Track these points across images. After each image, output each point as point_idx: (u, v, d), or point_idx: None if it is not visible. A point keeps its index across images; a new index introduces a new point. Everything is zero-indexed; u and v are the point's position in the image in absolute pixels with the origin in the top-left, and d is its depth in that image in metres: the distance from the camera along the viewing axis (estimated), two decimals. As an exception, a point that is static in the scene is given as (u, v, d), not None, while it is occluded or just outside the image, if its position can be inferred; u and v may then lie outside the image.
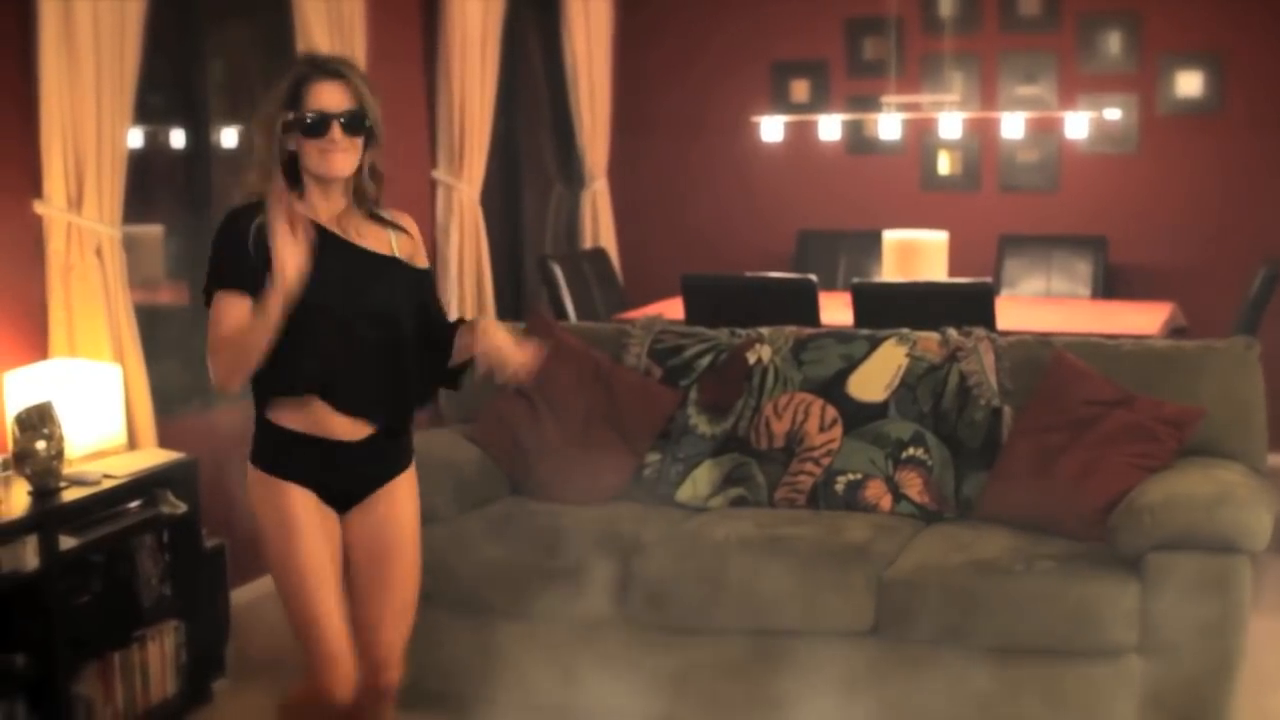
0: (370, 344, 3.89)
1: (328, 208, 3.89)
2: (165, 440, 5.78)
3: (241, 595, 6.24)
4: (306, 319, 3.72)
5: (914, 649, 4.87)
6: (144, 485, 5.28)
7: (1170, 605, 4.63)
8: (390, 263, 3.95)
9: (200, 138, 6.60)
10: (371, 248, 3.92)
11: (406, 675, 5.45)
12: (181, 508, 5.38)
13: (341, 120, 3.80)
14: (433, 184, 8.09)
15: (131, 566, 5.30)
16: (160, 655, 5.33)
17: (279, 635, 6.14)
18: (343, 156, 3.83)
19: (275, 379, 3.83)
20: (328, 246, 3.79)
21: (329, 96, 3.82)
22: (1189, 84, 9.03)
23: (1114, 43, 9.16)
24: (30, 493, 4.93)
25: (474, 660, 5.33)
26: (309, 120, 3.79)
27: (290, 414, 3.88)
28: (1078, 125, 8.46)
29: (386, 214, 4.01)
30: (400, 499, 4.08)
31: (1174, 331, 7.58)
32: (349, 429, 3.91)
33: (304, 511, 3.93)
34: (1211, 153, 9.00)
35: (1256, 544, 4.61)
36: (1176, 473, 4.96)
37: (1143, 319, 7.56)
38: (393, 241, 3.98)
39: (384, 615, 4.11)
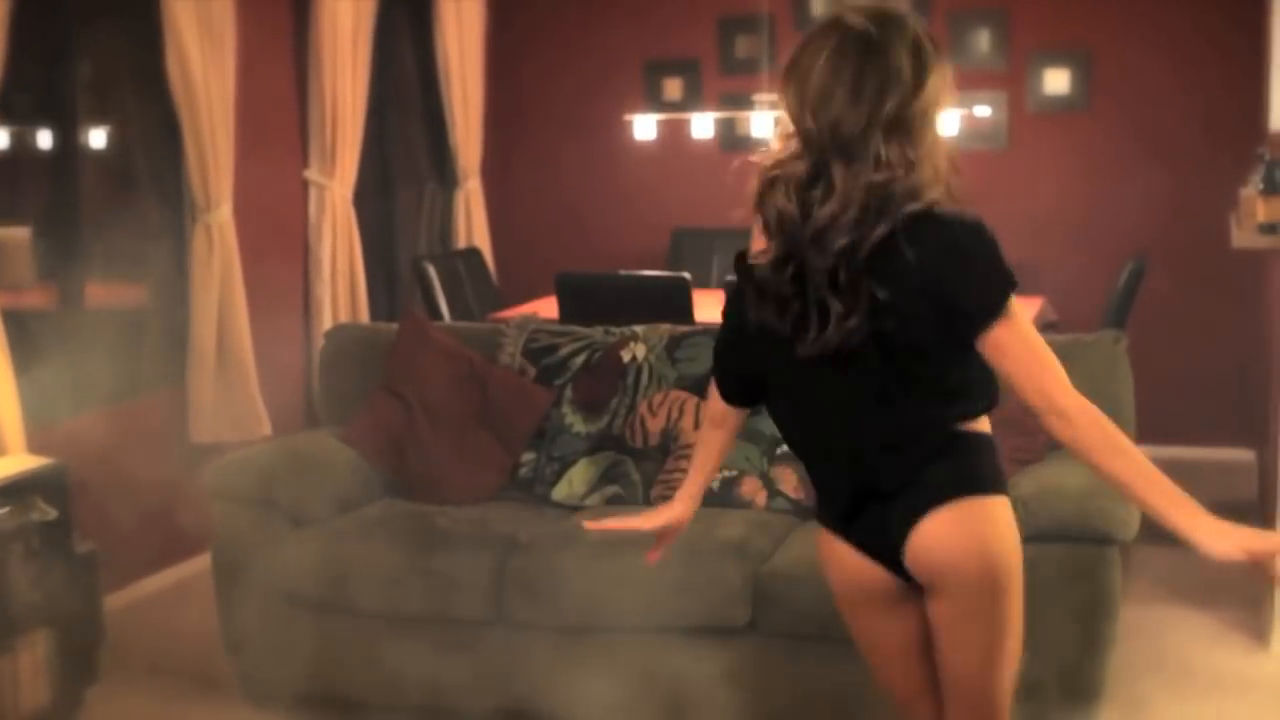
0: None
1: None
2: (35, 446, 5.70)
3: (115, 600, 6.17)
4: None
5: (792, 644, 4.90)
6: (13, 491, 5.21)
7: (1043, 595, 4.68)
8: None
9: (68, 138, 6.52)
10: None
11: (283, 678, 5.44)
12: (52, 513, 5.30)
13: None
14: (304, 184, 8.04)
15: (1, 574, 5.23)
16: (32, 664, 5.25)
17: (154, 640, 6.12)
18: None
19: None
20: None
21: None
22: (1057, 82, 9.14)
23: (983, 40, 9.25)
24: (-105, 500, 4.86)
25: (350, 663, 5.30)
26: None
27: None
28: (948, 122, 8.53)
29: None
30: None
31: (1044, 326, 7.65)
32: None
33: None
34: (1079, 149, 9.12)
35: (1126, 534, 4.67)
36: (1047, 466, 5.01)
37: (1013, 314, 7.62)
38: None
39: None
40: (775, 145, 3.12)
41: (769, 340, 3.17)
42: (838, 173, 2.97)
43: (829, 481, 3.32)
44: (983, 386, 3.17)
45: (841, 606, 3.40)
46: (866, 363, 3.06)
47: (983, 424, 3.22)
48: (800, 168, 3.03)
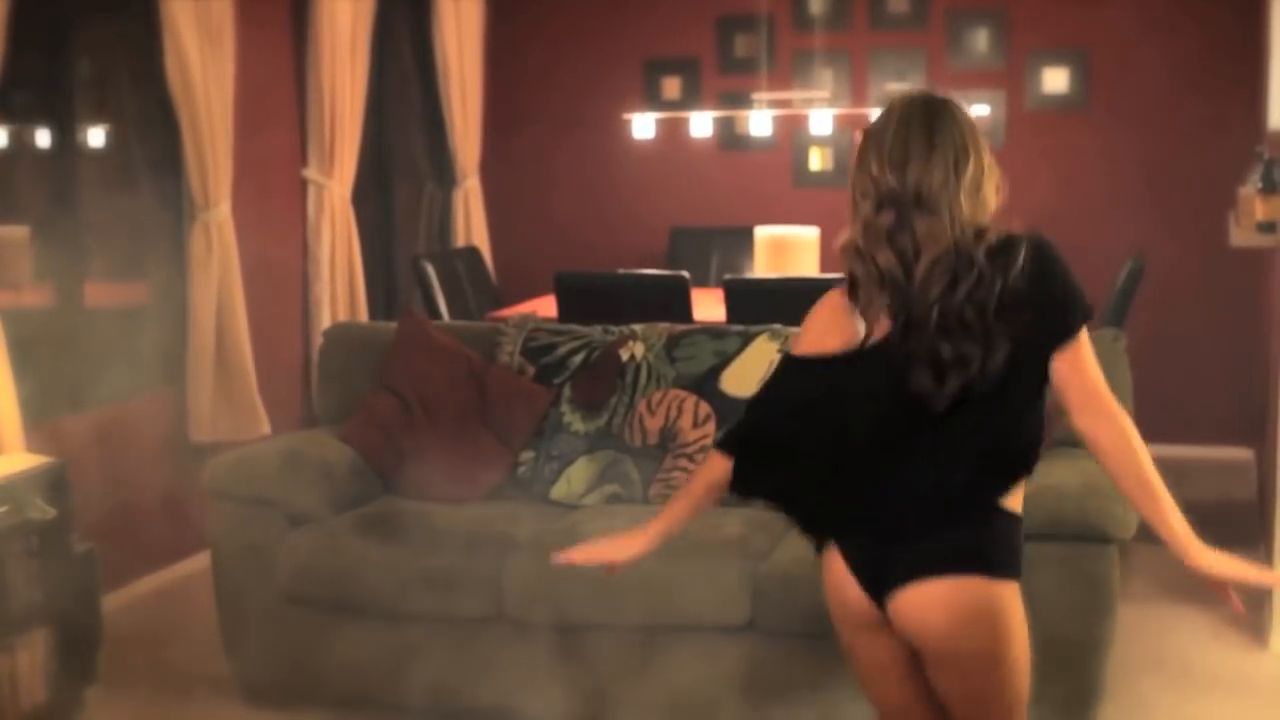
0: None
1: None
2: (33, 445, 5.70)
3: (114, 600, 6.17)
4: None
5: (790, 642, 4.90)
6: (11, 491, 5.20)
7: (1041, 593, 4.67)
8: None
9: (66, 137, 6.52)
10: None
11: (282, 677, 5.43)
12: (50, 513, 5.29)
13: None
14: (303, 183, 8.03)
15: (-1, 573, 5.23)
16: (31, 663, 5.25)
17: (153, 640, 6.11)
18: None
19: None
20: None
21: None
22: (1055, 80, 9.15)
23: (982, 39, 9.26)
24: (-106, 499, 4.85)
25: (349, 662, 5.30)
26: None
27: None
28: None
29: None
30: None
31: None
32: None
33: None
34: (1077, 148, 9.12)
35: (1124, 533, 4.67)
36: (1046, 464, 4.96)
37: (1012, 312, 7.61)
38: None
39: None
40: (858, 211, 3.21)
41: (830, 405, 3.25)
42: (920, 224, 3.11)
43: (838, 514, 3.31)
44: (1036, 443, 3.33)
45: (833, 619, 3.40)
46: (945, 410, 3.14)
47: (1018, 500, 3.29)
48: (887, 218, 3.14)
